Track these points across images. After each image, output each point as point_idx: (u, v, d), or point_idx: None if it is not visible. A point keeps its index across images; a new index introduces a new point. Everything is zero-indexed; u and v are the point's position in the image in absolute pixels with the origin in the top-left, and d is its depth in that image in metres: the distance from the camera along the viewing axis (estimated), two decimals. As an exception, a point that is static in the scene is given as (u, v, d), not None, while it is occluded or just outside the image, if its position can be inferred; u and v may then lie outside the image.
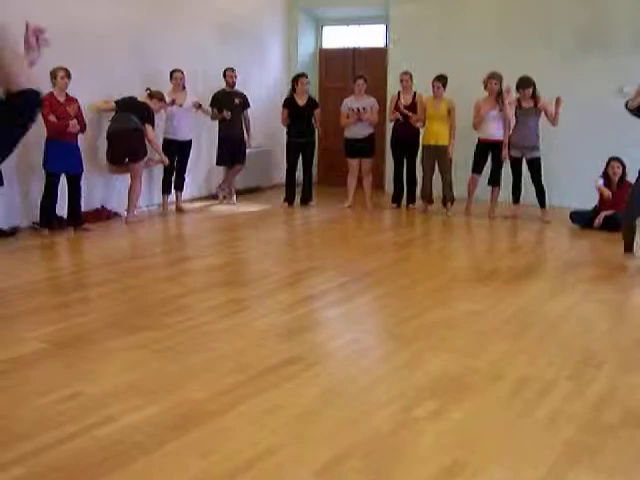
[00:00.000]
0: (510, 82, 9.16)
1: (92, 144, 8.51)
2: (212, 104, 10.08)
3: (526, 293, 6.00)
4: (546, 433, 3.47)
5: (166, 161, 9.17)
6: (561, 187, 9.76)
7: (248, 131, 10.38)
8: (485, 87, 9.40)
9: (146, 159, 8.84)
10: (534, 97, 9.09)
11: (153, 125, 8.85)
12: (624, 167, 8.57)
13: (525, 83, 9.07)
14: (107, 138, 8.60)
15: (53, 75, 7.81)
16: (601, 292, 6.13)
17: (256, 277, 6.61)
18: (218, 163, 10.36)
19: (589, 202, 8.93)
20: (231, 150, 10.20)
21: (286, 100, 10.18)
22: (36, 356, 4.41)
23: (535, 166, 9.19)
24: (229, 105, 10.06)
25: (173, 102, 9.24)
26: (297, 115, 10.08)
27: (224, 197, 10.52)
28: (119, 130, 8.54)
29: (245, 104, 10.28)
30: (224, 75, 10.10)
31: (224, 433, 3.42)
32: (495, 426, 3.55)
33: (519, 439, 3.39)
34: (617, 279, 6.71)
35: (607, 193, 8.57)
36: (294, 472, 3.07)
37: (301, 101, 10.08)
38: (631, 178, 8.54)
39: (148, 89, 9.03)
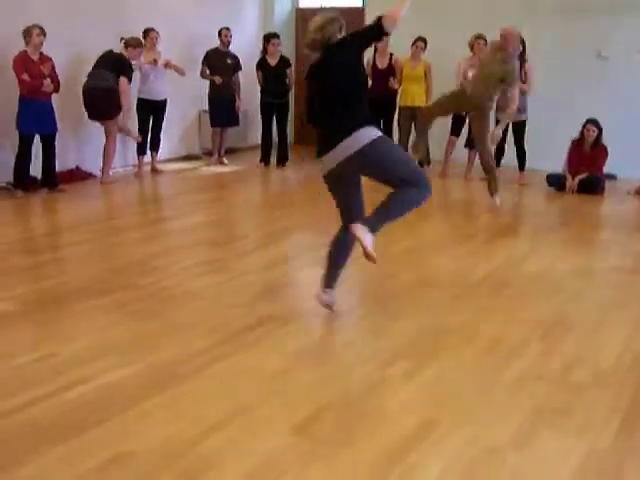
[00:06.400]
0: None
1: (66, 103, 8.38)
2: (204, 61, 10.02)
3: (501, 254, 6.04)
4: (516, 393, 3.51)
5: (139, 139, 9.14)
6: (539, 150, 9.72)
7: (238, 94, 10.28)
8: (471, 48, 9.27)
9: (121, 114, 8.64)
10: (522, 57, 8.99)
11: (130, 77, 8.60)
12: (600, 130, 8.58)
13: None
14: (82, 94, 8.47)
15: (28, 33, 7.61)
16: (575, 253, 6.18)
17: (232, 237, 6.60)
18: (213, 125, 10.26)
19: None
20: (224, 111, 10.15)
21: (259, 62, 10.13)
22: (9, 317, 4.38)
23: (520, 129, 9.16)
24: (221, 65, 9.98)
25: (155, 62, 9.09)
26: (270, 75, 10.02)
27: (218, 158, 10.38)
28: (89, 88, 8.40)
29: (237, 66, 10.20)
30: (219, 34, 10.01)
31: (198, 393, 3.44)
32: (467, 386, 3.59)
33: (490, 399, 3.43)
34: (591, 241, 6.78)
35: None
36: (268, 431, 3.09)
37: (273, 61, 10.01)
38: (605, 141, 8.63)
39: (122, 38, 8.71)
